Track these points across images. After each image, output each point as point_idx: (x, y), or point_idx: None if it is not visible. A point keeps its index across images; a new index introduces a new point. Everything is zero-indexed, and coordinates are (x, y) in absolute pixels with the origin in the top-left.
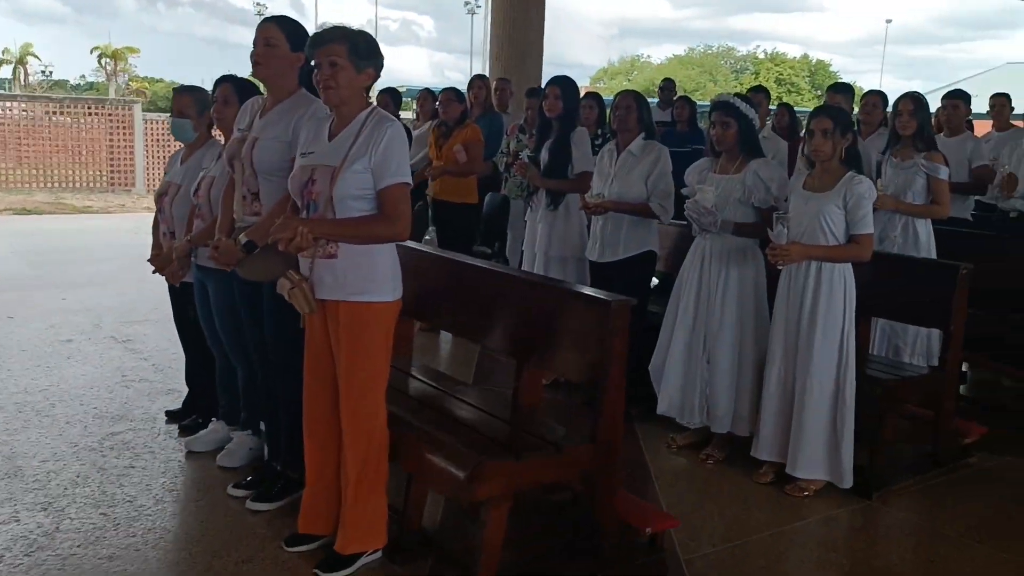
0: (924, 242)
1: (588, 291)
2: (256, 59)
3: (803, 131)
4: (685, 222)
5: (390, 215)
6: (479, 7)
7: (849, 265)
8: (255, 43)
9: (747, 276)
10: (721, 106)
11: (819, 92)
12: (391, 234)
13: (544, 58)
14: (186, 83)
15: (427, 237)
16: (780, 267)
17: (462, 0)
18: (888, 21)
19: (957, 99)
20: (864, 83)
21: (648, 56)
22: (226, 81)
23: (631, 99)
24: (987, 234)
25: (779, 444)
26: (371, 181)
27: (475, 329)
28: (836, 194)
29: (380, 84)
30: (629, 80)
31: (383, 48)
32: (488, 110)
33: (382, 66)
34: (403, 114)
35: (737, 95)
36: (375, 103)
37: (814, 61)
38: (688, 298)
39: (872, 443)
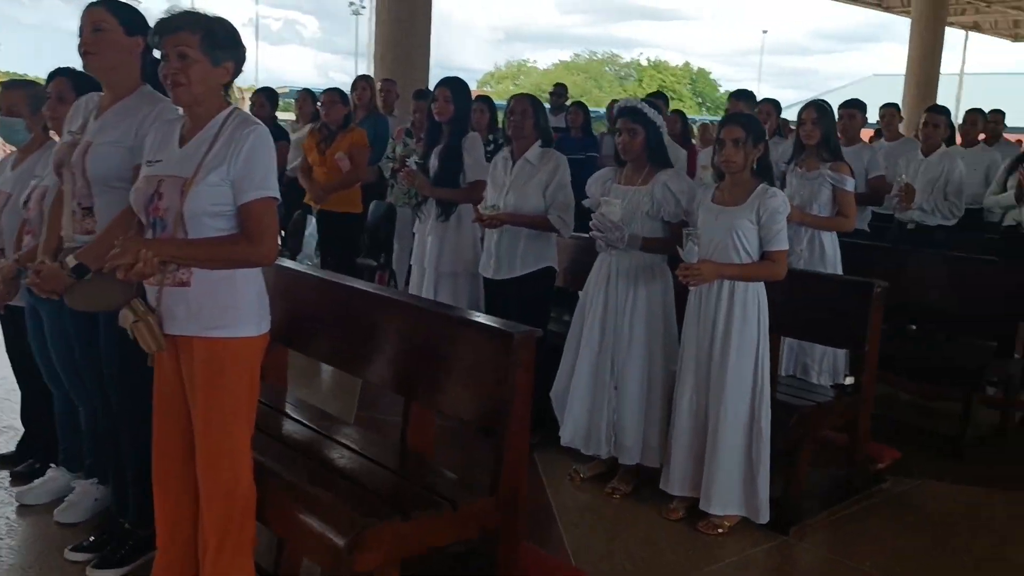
0: (831, 256)
1: (486, 320)
2: (85, 48)
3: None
4: (586, 235)
5: (253, 235)
6: (363, 8)
7: (762, 284)
8: (81, 30)
9: (655, 295)
10: (628, 112)
11: (700, 100)
12: (255, 257)
13: (430, 62)
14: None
15: (306, 250)
16: (691, 287)
17: (346, 0)
18: (764, 32)
19: (853, 108)
20: None
21: (534, 61)
22: (62, 74)
23: (527, 103)
24: (886, 247)
25: (691, 477)
26: (230, 195)
27: (356, 360)
28: (748, 208)
29: (262, 84)
30: (516, 85)
31: (264, 49)
32: (373, 112)
33: (244, 59)
34: (282, 115)
35: (644, 100)
36: (235, 104)
37: (695, 69)
38: (593, 319)
39: (787, 474)
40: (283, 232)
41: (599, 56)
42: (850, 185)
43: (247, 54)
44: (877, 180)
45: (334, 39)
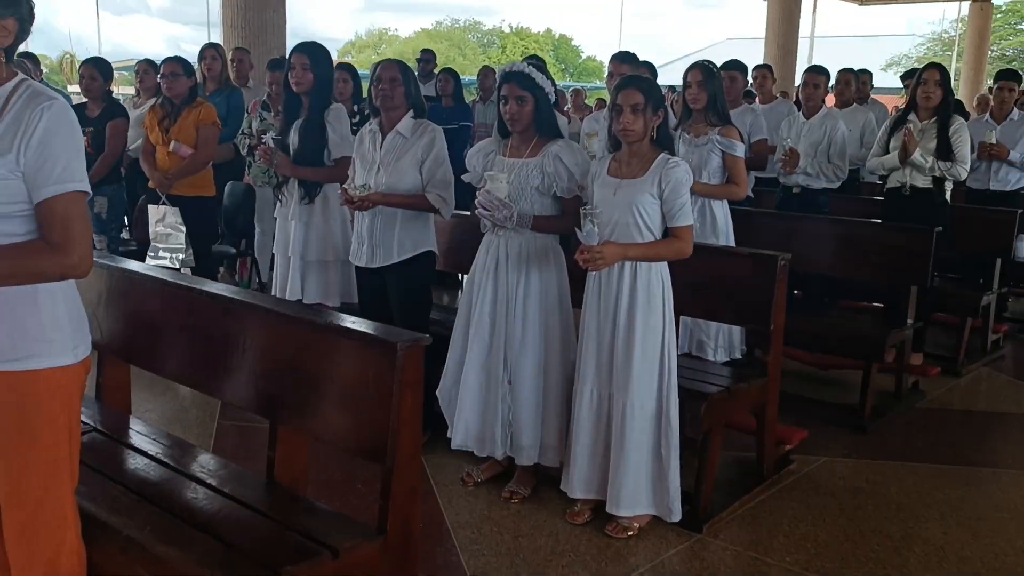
0: (722, 226)
1: (364, 327)
2: None
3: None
4: (467, 213)
5: (57, 240)
6: None
7: (665, 263)
8: None
9: (550, 280)
10: (515, 77)
11: (563, 66)
12: (61, 268)
13: (290, 29)
14: None
15: (171, 243)
16: (590, 271)
17: None
18: None
19: (734, 70)
20: (604, 58)
21: (396, 29)
22: None
23: (396, 69)
24: (773, 213)
25: (596, 478)
26: (22, 189)
27: (209, 378)
28: (649, 181)
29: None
30: (378, 53)
31: (108, 20)
32: (224, 85)
33: (30, 18)
34: (122, 90)
35: (530, 63)
36: (26, 76)
37: (557, 36)
38: (482, 308)
39: (697, 466)
40: (127, 222)
41: (461, 23)
42: (740, 151)
43: (34, 10)
44: (760, 144)
45: (185, 9)
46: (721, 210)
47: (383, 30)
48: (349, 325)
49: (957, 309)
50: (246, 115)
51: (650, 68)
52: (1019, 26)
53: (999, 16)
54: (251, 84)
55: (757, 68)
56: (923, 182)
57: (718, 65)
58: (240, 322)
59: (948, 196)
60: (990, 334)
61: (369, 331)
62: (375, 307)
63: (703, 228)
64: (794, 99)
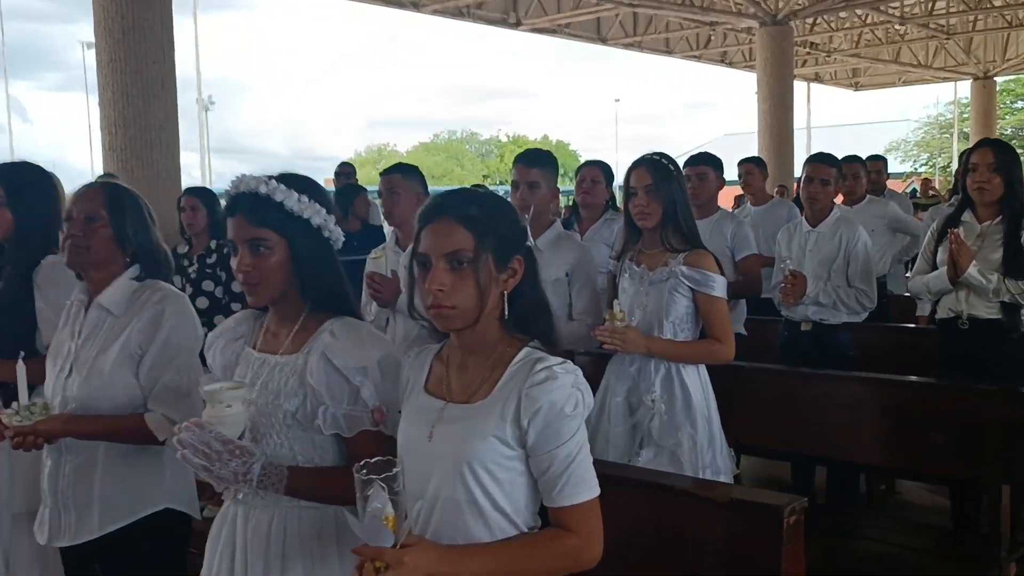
0: (699, 406)
1: None
2: None
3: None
4: None
5: None
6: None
7: None
8: None
9: None
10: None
11: (563, 171)
12: None
13: (293, 150)
14: None
15: None
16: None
17: None
18: (616, 100)
19: (704, 165)
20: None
21: (395, 144)
22: None
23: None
24: (773, 370)
25: None
26: None
27: None
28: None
29: None
30: (376, 168)
31: None
32: None
33: None
34: None
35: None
36: None
37: (555, 142)
38: None
39: None
40: None
41: (459, 135)
42: (720, 287)
43: None
44: (749, 261)
45: None
46: (696, 379)
47: (382, 146)
48: None
49: None
50: None
51: (602, 167)
52: (1015, 105)
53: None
54: None
55: (743, 162)
56: (987, 311)
57: (713, 155)
58: None
59: None
60: None
61: None
62: None
63: (671, 410)
64: (793, 197)
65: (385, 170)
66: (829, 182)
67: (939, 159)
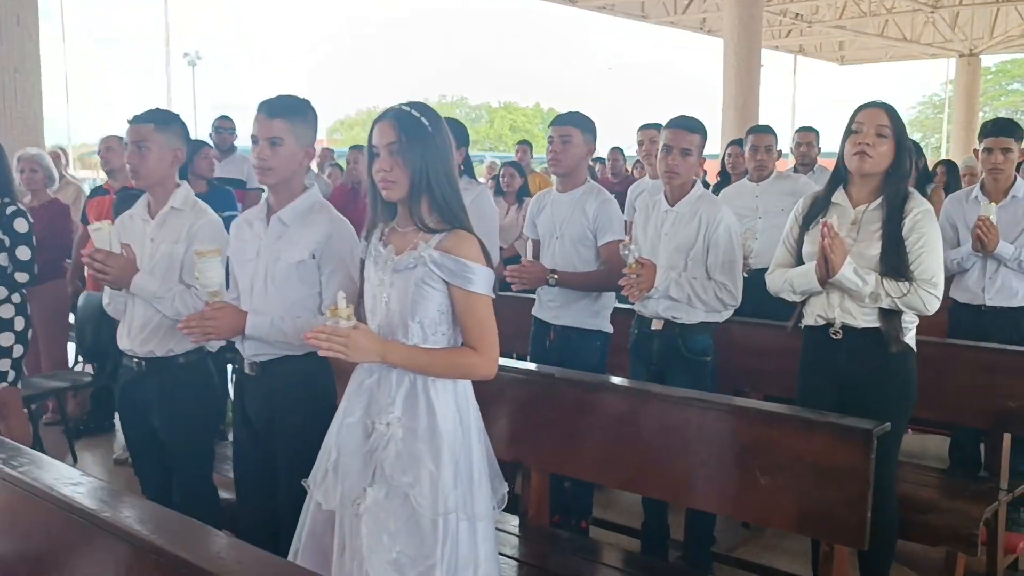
0: (447, 428)
1: None
2: None
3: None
4: None
5: None
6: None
7: None
8: None
9: None
10: None
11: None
12: None
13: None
14: None
15: None
16: None
17: None
18: (609, 69)
19: (569, 126)
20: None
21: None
22: None
23: None
24: (612, 384)
25: None
26: None
27: None
28: None
29: None
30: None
31: None
32: None
33: None
34: None
35: None
36: None
37: (546, 109)
38: None
39: None
40: None
41: (448, 100)
42: (481, 283)
43: None
44: (612, 248)
45: None
46: (449, 399)
47: (372, 108)
48: None
49: None
50: None
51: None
52: (1010, 87)
53: (990, 77)
54: None
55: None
56: (864, 319)
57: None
58: None
59: (911, 339)
60: None
61: None
62: None
63: (410, 437)
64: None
65: (135, 116)
66: (691, 151)
67: (932, 139)
